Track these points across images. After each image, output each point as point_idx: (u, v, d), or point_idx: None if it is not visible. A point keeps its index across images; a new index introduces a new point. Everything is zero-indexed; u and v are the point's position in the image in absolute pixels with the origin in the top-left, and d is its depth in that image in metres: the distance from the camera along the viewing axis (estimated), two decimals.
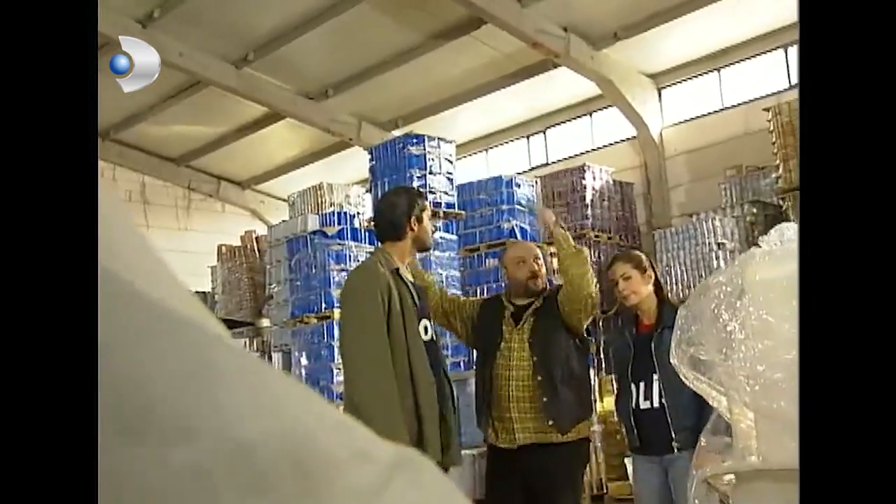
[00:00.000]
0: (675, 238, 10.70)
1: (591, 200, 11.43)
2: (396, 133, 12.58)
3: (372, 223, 3.57)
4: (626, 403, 3.52)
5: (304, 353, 9.79)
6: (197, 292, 13.89)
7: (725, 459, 1.85)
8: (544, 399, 3.46)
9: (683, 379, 1.91)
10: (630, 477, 4.03)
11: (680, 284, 10.32)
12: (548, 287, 3.77)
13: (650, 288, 3.60)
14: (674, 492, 3.39)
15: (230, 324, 10.23)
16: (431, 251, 9.78)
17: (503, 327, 3.60)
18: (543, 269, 3.71)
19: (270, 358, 10.06)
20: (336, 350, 8.63)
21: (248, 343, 10.82)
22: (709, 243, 10.34)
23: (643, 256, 3.76)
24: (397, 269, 3.16)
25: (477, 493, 7.65)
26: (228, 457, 0.34)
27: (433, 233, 3.51)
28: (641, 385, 3.46)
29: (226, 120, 14.27)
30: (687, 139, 12.10)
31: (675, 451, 3.35)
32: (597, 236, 11.34)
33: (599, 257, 10.62)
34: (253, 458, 0.34)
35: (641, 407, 3.45)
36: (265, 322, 11.29)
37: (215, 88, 12.83)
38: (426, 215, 3.32)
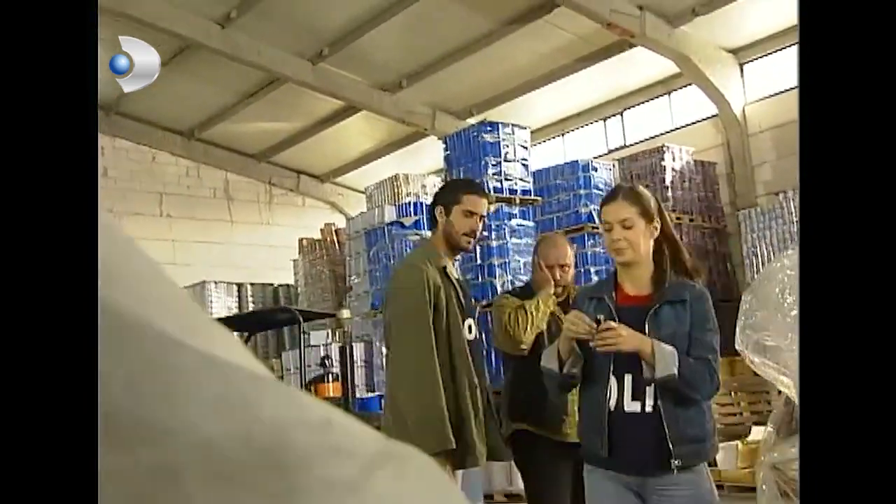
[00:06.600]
0: (760, 218, 10.36)
1: (672, 182, 11.17)
2: (471, 121, 12.57)
3: None
4: (596, 400, 2.50)
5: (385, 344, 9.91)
6: (280, 286, 14.23)
7: (795, 445, 1.78)
8: None
9: (750, 364, 1.82)
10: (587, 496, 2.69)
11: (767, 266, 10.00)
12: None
13: (651, 245, 2.61)
14: None
15: (312, 315, 10.42)
16: (507, 238, 9.75)
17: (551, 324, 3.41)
18: (571, 273, 3.54)
19: (352, 349, 10.21)
20: None
21: (330, 334, 11.01)
22: (796, 222, 9.98)
23: (651, 197, 2.70)
24: (444, 267, 3.09)
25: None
26: (194, 453, 0.34)
27: (469, 234, 3.14)
28: (627, 379, 2.44)
29: (303, 115, 14.53)
30: (772, 115, 11.67)
31: (675, 471, 2.39)
32: (678, 218, 11.07)
33: (682, 240, 10.37)
34: (219, 451, 0.35)
35: (626, 409, 2.43)
36: (346, 313, 11.48)
37: (292, 84, 13.08)
38: (459, 209, 3.10)
